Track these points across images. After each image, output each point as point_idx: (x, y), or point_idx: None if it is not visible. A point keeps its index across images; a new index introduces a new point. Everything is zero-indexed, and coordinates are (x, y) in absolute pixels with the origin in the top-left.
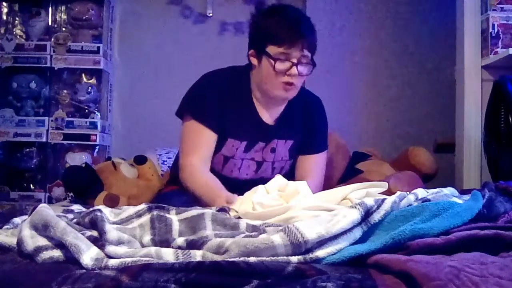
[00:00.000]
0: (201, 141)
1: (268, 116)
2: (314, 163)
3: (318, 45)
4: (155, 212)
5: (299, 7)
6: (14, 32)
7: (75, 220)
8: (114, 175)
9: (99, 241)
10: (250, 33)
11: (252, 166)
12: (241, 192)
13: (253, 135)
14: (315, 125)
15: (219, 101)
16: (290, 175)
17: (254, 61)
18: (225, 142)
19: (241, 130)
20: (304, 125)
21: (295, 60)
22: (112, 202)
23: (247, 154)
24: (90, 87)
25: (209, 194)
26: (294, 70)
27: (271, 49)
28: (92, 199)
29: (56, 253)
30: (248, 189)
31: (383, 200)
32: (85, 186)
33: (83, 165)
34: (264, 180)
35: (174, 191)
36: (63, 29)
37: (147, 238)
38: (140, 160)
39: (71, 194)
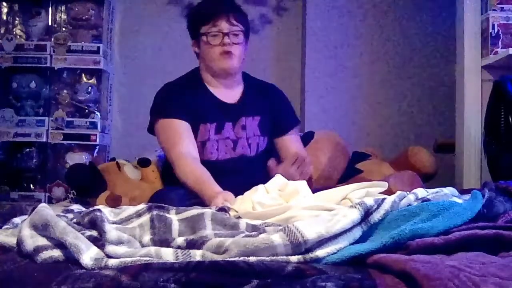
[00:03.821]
0: (178, 131)
1: (228, 97)
2: (291, 141)
3: (317, 45)
4: (154, 212)
5: (299, 8)
6: (14, 32)
7: (75, 220)
8: (118, 176)
9: (99, 241)
10: (187, 28)
11: (228, 145)
12: (226, 175)
13: (219, 116)
14: (276, 106)
15: (179, 96)
16: (268, 154)
17: (196, 49)
18: (197, 129)
19: (206, 113)
20: (266, 106)
21: (225, 31)
22: (114, 202)
23: (220, 135)
24: (90, 87)
25: (201, 190)
26: (226, 39)
27: (203, 29)
28: (94, 198)
29: (56, 253)
30: (232, 170)
31: (383, 199)
32: (88, 185)
33: (87, 164)
34: (244, 158)
35: (171, 187)
36: (63, 29)
37: (146, 237)
38: (144, 162)
39: (72, 194)
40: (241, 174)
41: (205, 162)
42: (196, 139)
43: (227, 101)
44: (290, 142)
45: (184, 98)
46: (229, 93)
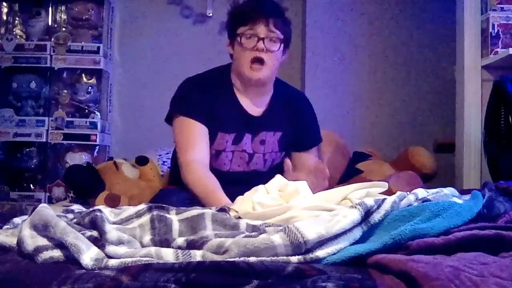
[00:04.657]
0: (194, 135)
1: (254, 108)
2: (308, 158)
3: (317, 45)
4: (155, 212)
5: (299, 8)
6: (14, 32)
7: (75, 220)
8: (116, 175)
9: (99, 241)
10: (226, 26)
11: (243, 158)
12: (235, 186)
13: (240, 126)
14: (303, 120)
15: (204, 97)
16: (281, 167)
17: (230, 49)
18: (215, 136)
19: (228, 122)
20: (291, 119)
21: (261, 36)
22: (113, 202)
23: (237, 146)
24: (90, 87)
25: (209, 200)
26: (260, 44)
27: (240, 30)
28: (93, 198)
29: (56, 253)
30: (242, 182)
31: (383, 200)
32: (87, 185)
33: (85, 164)
34: (256, 173)
35: (173, 189)
36: (63, 29)
37: (147, 238)
38: (141, 160)
39: (72, 194)
40: (249, 185)
41: (215, 171)
42: (211, 146)
43: (252, 112)
44: (308, 159)
45: (208, 100)
46: (255, 103)
